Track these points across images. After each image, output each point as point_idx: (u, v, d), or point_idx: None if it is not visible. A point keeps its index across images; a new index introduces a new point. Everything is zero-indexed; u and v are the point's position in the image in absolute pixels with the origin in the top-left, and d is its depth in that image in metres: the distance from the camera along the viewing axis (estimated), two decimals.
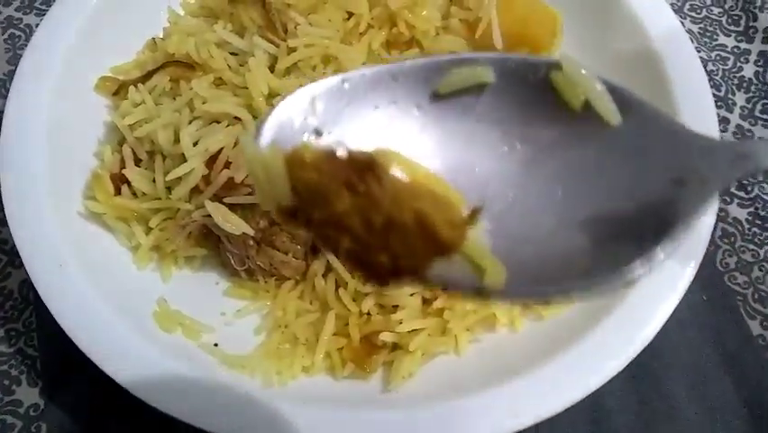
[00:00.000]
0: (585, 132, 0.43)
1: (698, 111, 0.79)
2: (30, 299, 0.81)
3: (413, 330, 0.71)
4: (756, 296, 0.84)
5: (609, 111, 0.42)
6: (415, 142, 0.43)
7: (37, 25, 0.84)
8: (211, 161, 0.72)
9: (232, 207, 0.72)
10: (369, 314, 0.73)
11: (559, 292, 0.40)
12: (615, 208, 0.42)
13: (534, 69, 0.43)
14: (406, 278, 0.39)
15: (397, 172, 0.40)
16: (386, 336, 0.71)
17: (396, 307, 0.72)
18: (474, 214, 0.40)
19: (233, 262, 0.76)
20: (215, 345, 0.72)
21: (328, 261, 0.74)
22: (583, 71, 0.42)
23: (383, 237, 0.38)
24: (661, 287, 0.70)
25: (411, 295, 0.72)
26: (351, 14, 0.84)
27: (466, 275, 0.40)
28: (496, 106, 0.44)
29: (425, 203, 0.39)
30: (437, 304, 0.72)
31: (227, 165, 0.71)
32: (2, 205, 0.73)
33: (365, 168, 0.38)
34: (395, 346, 0.72)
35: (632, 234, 0.41)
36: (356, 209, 0.38)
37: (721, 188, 0.42)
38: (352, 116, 0.43)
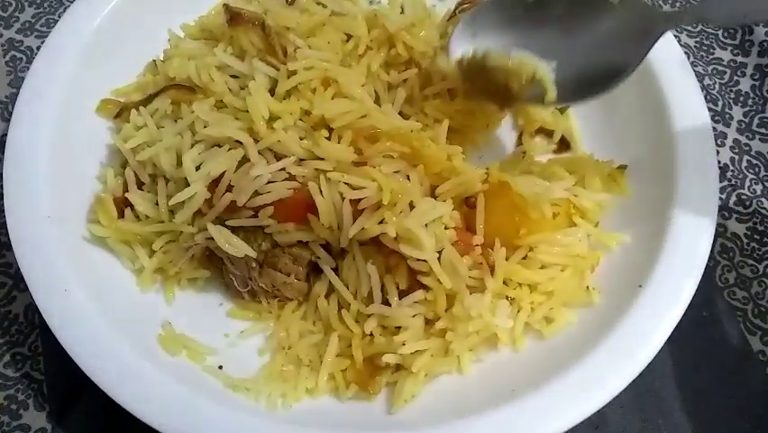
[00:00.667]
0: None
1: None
2: (35, 322, 0.81)
3: (416, 351, 0.71)
4: (756, 311, 0.85)
5: None
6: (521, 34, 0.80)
7: (38, 48, 0.86)
8: (213, 184, 0.72)
9: (234, 229, 0.73)
10: (371, 335, 0.73)
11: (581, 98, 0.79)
12: (608, 53, 0.77)
13: None
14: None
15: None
16: (389, 358, 0.71)
17: (398, 328, 0.72)
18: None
19: (235, 283, 0.76)
20: (220, 367, 0.73)
21: (330, 282, 0.75)
22: None
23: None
24: (661, 305, 0.71)
25: (413, 316, 0.72)
26: (349, 36, 0.85)
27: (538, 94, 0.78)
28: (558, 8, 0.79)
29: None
30: (439, 325, 0.72)
31: (229, 188, 0.72)
32: (6, 228, 0.73)
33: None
34: (398, 367, 0.72)
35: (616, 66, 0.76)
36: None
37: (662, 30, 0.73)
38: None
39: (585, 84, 0.77)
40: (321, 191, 0.72)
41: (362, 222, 0.70)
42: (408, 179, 0.74)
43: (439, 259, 0.71)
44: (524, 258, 0.76)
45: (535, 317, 0.75)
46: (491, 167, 0.80)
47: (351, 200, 0.70)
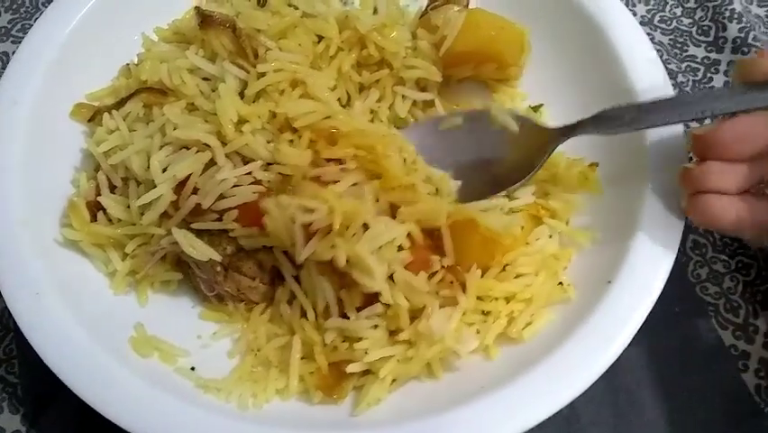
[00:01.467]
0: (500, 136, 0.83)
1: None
2: (10, 326, 0.82)
3: (382, 358, 0.71)
4: (728, 306, 0.85)
5: (512, 126, 0.81)
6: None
7: (14, 53, 0.86)
8: (180, 186, 0.73)
9: (199, 233, 0.74)
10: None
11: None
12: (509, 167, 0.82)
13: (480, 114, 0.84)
14: None
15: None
16: (353, 368, 0.71)
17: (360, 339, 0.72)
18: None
19: (202, 287, 0.77)
20: (192, 368, 0.74)
21: (292, 289, 0.75)
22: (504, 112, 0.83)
23: None
24: (630, 300, 0.71)
25: (375, 327, 0.72)
26: (321, 38, 0.85)
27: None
28: (465, 131, 0.84)
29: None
30: (403, 336, 0.72)
31: (195, 191, 0.72)
32: None
33: None
34: (366, 371, 0.72)
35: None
36: None
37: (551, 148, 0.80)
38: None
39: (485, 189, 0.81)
40: (271, 212, 0.71)
41: (313, 246, 0.70)
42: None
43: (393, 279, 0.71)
44: (500, 272, 0.77)
45: (516, 327, 0.74)
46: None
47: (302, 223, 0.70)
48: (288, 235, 0.71)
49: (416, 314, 0.72)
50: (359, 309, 0.72)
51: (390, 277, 0.70)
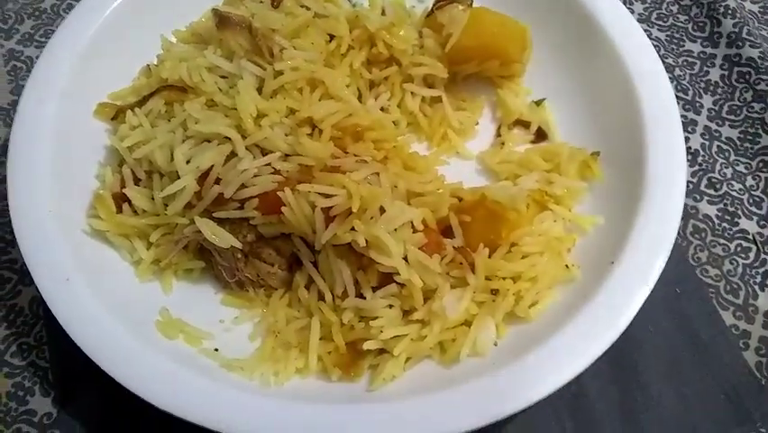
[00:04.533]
0: None
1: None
2: (40, 314, 0.85)
3: (395, 336, 0.74)
4: (728, 288, 0.88)
5: None
6: None
7: (38, 57, 0.89)
8: (202, 177, 0.76)
9: (221, 222, 0.77)
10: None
11: None
12: None
13: None
14: None
15: None
16: (369, 345, 0.74)
17: (376, 317, 0.75)
18: None
19: (224, 274, 0.80)
20: (216, 349, 0.77)
21: (309, 274, 0.79)
22: None
23: None
24: (632, 280, 0.75)
25: (389, 307, 0.75)
26: (332, 37, 0.90)
27: None
28: None
29: None
30: (417, 316, 0.75)
31: (217, 181, 0.76)
32: (11, 227, 0.77)
33: None
34: (381, 351, 0.76)
35: None
36: None
37: None
38: None
39: None
40: (289, 203, 0.74)
41: (334, 229, 0.73)
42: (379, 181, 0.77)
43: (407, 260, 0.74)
44: (507, 252, 0.80)
45: (523, 305, 0.78)
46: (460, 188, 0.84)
47: (322, 207, 0.73)
48: (307, 222, 0.75)
49: (428, 295, 0.76)
50: (374, 290, 0.75)
51: (405, 259, 0.74)
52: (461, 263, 0.76)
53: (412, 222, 0.75)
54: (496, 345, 0.76)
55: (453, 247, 0.77)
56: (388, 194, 0.76)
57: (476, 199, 0.80)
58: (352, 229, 0.73)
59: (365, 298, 0.75)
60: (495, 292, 0.78)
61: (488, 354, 0.75)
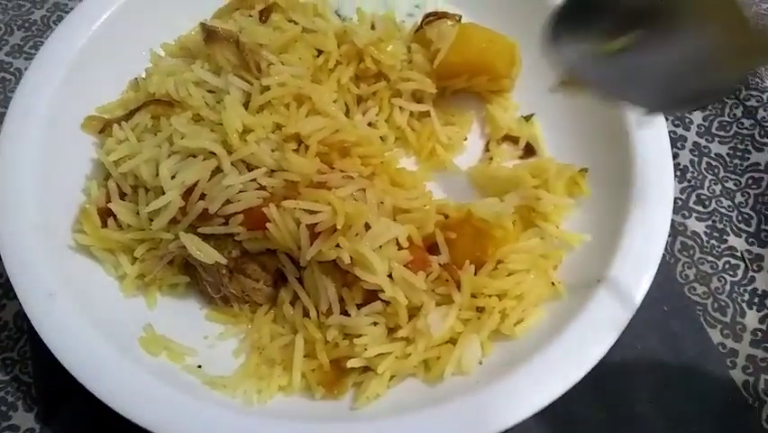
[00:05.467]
0: None
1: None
2: (24, 328, 0.85)
3: (380, 354, 0.74)
4: (716, 305, 0.88)
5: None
6: None
7: (26, 69, 0.89)
8: (188, 193, 0.76)
9: (206, 237, 0.77)
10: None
11: None
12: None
13: None
14: None
15: None
16: (353, 363, 0.74)
17: (360, 335, 0.75)
18: None
19: (209, 290, 0.80)
20: (199, 366, 0.77)
21: (294, 290, 0.79)
22: None
23: None
24: (618, 298, 0.75)
25: (374, 324, 0.75)
26: (320, 52, 0.90)
27: None
28: None
29: None
30: (401, 333, 0.75)
31: (202, 197, 0.76)
32: None
33: None
34: (366, 369, 0.75)
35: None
36: None
37: None
38: None
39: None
40: (274, 219, 0.74)
41: (318, 245, 0.73)
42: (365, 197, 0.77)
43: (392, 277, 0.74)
44: (493, 270, 0.79)
45: (508, 322, 0.77)
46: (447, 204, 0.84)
47: (307, 224, 0.73)
48: (291, 239, 0.74)
49: (413, 312, 0.75)
50: (359, 307, 0.75)
51: (390, 276, 0.73)
52: (446, 280, 0.76)
53: (397, 239, 0.75)
54: (481, 363, 0.76)
55: (439, 264, 0.77)
56: (374, 211, 0.76)
57: (462, 216, 0.80)
58: (337, 246, 0.73)
59: (350, 315, 0.75)
60: (480, 310, 0.78)
61: (472, 372, 0.75)
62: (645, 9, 0.65)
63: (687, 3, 0.64)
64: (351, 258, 0.72)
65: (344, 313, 0.75)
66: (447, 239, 0.79)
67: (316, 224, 0.73)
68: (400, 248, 0.75)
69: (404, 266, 0.74)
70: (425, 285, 0.75)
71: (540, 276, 0.80)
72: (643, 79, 0.67)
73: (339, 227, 0.72)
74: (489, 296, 0.78)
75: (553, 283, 0.80)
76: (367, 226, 0.74)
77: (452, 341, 0.77)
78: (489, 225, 0.78)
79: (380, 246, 0.74)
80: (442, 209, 0.82)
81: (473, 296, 0.77)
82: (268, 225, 0.75)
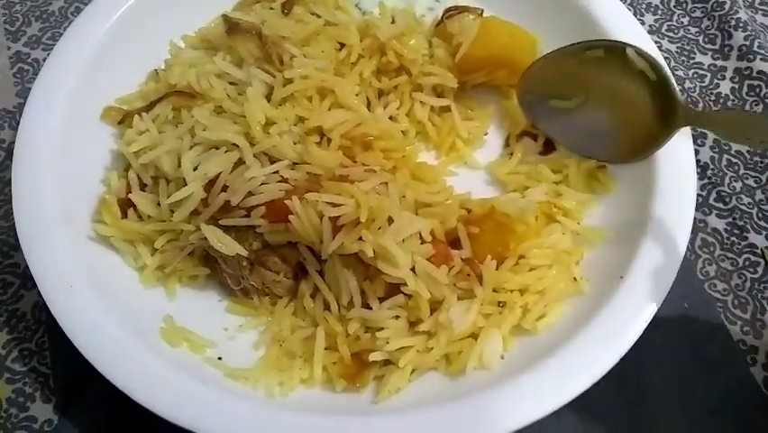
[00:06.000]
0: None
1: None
2: (42, 319, 0.84)
3: (402, 348, 0.74)
4: (736, 302, 0.88)
5: (650, 73, 0.81)
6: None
7: (44, 60, 0.89)
8: (209, 184, 0.76)
9: (227, 229, 0.77)
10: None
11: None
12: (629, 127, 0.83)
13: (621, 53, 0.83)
14: None
15: None
16: (375, 356, 0.74)
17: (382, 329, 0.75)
18: None
19: (229, 282, 0.80)
20: (220, 358, 0.76)
21: (315, 283, 0.78)
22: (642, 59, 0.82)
23: None
24: (641, 295, 0.74)
25: (395, 318, 0.75)
26: (342, 45, 0.89)
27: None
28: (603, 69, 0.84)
29: None
30: (423, 327, 0.74)
31: (224, 189, 0.75)
32: (14, 231, 0.77)
33: None
34: (387, 362, 0.75)
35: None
36: None
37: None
38: None
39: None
40: (297, 212, 0.74)
41: (341, 238, 0.73)
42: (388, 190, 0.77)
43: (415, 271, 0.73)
44: (515, 265, 0.79)
45: (530, 318, 0.77)
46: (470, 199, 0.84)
47: (330, 217, 0.73)
48: (314, 231, 0.74)
49: (435, 306, 0.75)
50: (381, 300, 0.74)
51: (412, 270, 0.73)
52: (468, 275, 0.75)
53: (420, 233, 0.75)
54: (502, 358, 0.76)
55: (461, 259, 0.76)
56: (397, 204, 0.75)
57: (485, 211, 0.79)
58: (360, 239, 0.72)
59: (371, 308, 0.74)
60: (502, 305, 0.77)
61: (494, 367, 0.75)
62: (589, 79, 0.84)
63: (614, 82, 0.83)
64: (373, 251, 0.72)
65: (366, 306, 0.75)
66: (469, 234, 0.78)
67: (339, 217, 0.73)
68: (423, 242, 0.75)
69: (426, 260, 0.74)
70: (447, 279, 0.74)
71: (562, 272, 0.80)
72: (590, 134, 0.85)
73: (363, 220, 0.72)
74: (511, 291, 0.77)
75: (575, 279, 0.79)
76: (390, 220, 0.74)
77: (474, 336, 0.76)
78: (512, 220, 0.78)
79: (403, 240, 0.73)
80: (464, 204, 0.82)
81: (495, 291, 0.77)
82: (290, 217, 0.74)
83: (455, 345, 0.75)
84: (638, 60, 0.81)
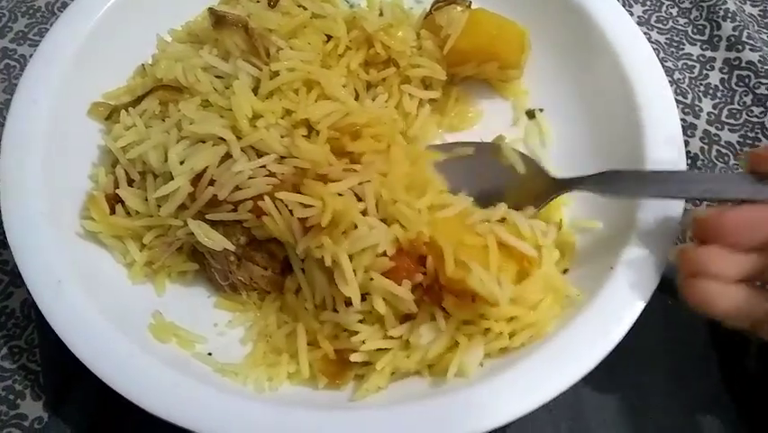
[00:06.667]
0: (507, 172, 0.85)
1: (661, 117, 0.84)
2: (31, 316, 0.84)
3: (380, 349, 0.73)
4: None
5: (519, 166, 0.84)
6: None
7: (31, 56, 0.88)
8: (197, 179, 0.75)
9: (214, 223, 0.76)
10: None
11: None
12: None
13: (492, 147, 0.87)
14: None
15: None
16: (355, 357, 0.72)
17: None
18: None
19: (217, 277, 0.79)
20: (209, 354, 0.76)
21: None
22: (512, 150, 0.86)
23: None
24: (631, 286, 0.74)
25: (362, 322, 0.74)
26: (329, 37, 0.89)
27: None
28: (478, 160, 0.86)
29: None
30: (392, 333, 0.72)
31: (211, 183, 0.75)
32: (2, 228, 0.77)
33: None
34: (367, 362, 0.74)
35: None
36: None
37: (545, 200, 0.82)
38: None
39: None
40: (269, 211, 0.73)
41: (306, 241, 0.72)
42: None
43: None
44: None
45: (517, 341, 0.73)
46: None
47: (299, 218, 0.72)
48: (288, 231, 0.74)
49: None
50: (348, 304, 0.73)
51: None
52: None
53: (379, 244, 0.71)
54: (482, 365, 0.73)
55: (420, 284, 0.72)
56: (371, 207, 0.73)
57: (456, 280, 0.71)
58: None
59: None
60: (485, 332, 0.73)
61: (472, 375, 0.72)
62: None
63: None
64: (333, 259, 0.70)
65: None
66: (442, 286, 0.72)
67: (307, 218, 0.72)
68: (382, 255, 0.71)
69: (386, 274, 0.71)
70: (410, 295, 0.71)
71: (555, 302, 0.76)
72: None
73: (324, 225, 0.70)
74: (496, 321, 0.72)
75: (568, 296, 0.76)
76: (355, 226, 0.71)
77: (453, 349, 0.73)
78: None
79: (361, 250, 0.71)
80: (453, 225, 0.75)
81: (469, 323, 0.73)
82: (264, 217, 0.74)
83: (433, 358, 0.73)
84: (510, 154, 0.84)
